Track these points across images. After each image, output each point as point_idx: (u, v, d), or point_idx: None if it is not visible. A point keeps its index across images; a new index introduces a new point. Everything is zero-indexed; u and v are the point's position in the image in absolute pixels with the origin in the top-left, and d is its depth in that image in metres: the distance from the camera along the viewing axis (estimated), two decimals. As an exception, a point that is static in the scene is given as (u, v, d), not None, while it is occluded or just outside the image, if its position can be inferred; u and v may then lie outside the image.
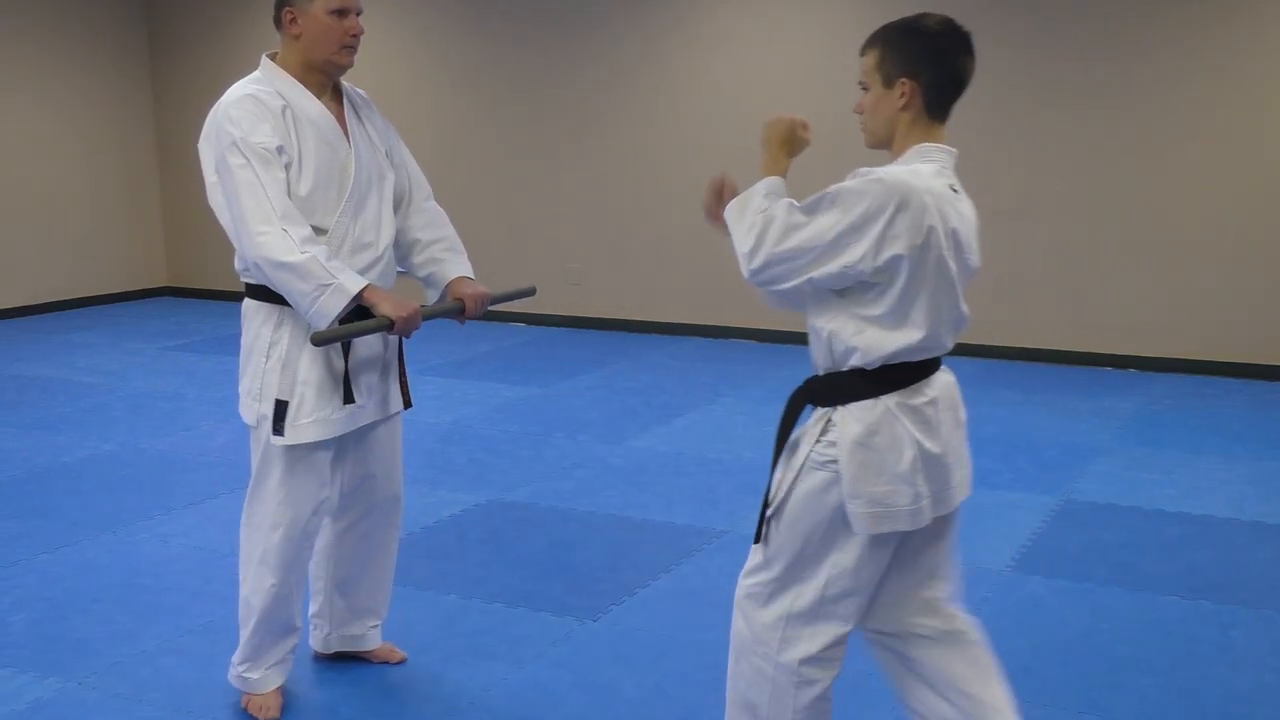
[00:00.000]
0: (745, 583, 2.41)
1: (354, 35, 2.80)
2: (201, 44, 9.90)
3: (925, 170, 2.29)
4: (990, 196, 7.47)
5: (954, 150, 2.36)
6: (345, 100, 2.92)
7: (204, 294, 10.32)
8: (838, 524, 2.27)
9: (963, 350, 8.21)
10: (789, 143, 2.51)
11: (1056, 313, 7.43)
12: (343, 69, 2.85)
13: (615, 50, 8.29)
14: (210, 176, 2.89)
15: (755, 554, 2.40)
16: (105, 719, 3.08)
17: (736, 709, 2.44)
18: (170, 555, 4.24)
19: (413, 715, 3.10)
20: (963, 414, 2.40)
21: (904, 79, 2.31)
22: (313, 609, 3.30)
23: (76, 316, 9.36)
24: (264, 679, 3.07)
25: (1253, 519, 4.59)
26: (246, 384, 2.92)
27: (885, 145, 2.40)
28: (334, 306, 2.68)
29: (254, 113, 2.73)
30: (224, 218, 2.85)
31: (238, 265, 2.89)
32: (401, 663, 3.33)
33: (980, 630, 2.46)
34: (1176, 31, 6.89)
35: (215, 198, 2.88)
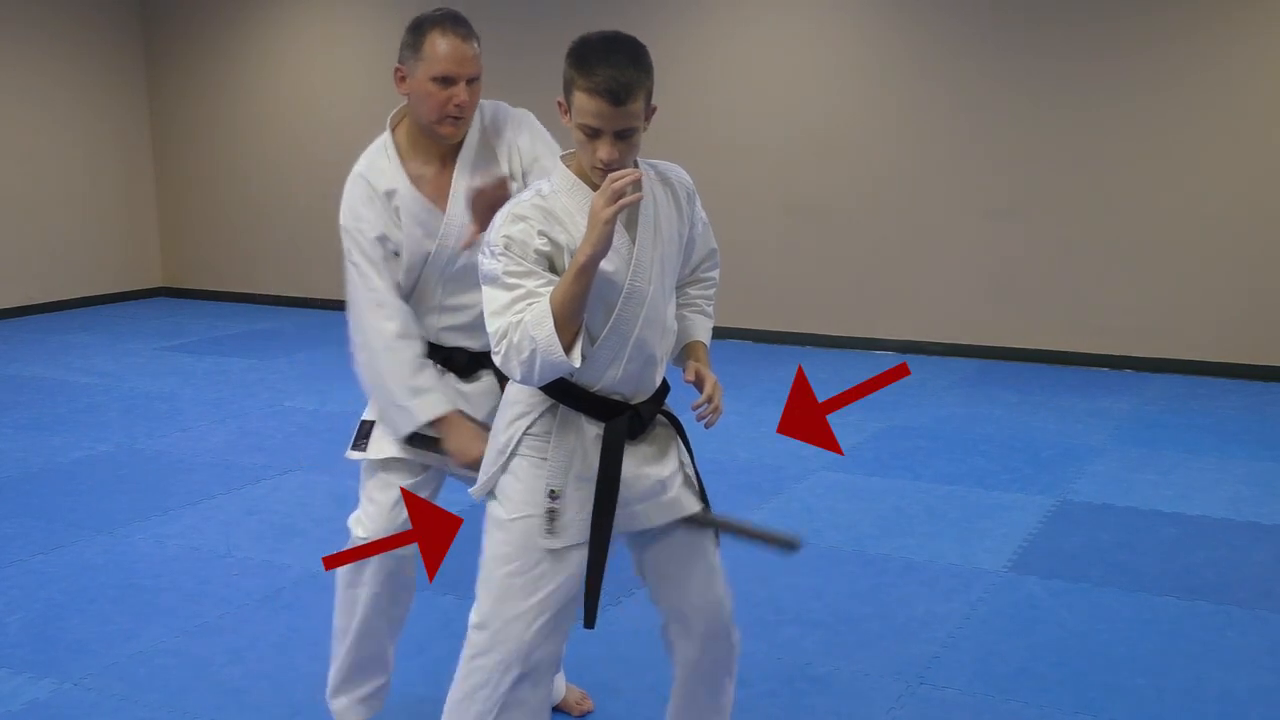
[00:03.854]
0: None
1: (457, 105, 2.55)
2: (197, 45, 9.89)
3: None
4: (985, 197, 7.49)
5: None
6: (463, 151, 2.65)
7: (199, 294, 10.32)
8: None
9: (959, 351, 8.28)
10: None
11: (1052, 313, 7.44)
12: (446, 139, 2.61)
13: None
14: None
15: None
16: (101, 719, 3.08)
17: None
18: (167, 556, 4.23)
19: (410, 715, 3.09)
20: None
21: (650, 106, 2.20)
22: None
23: (72, 317, 9.35)
24: (343, 712, 2.93)
25: (1248, 519, 4.60)
26: None
27: None
28: (399, 428, 2.61)
29: (359, 197, 2.62)
30: None
31: None
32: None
33: None
34: (1174, 31, 6.90)
35: None
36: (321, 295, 9.67)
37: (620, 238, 2.19)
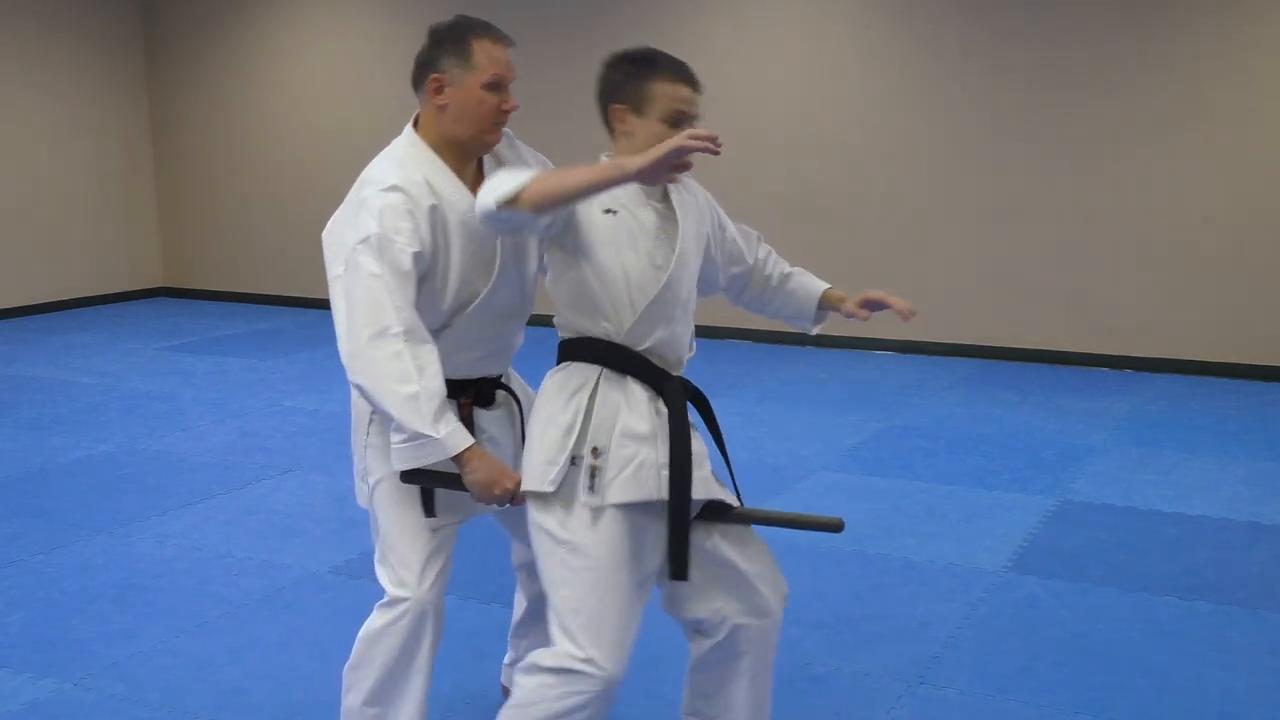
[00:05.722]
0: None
1: (506, 111, 2.47)
2: (197, 43, 9.89)
3: None
4: (985, 197, 7.49)
5: None
6: (487, 164, 2.57)
7: (200, 294, 10.32)
8: None
9: (959, 350, 8.27)
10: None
11: (1052, 313, 7.44)
12: (489, 147, 2.52)
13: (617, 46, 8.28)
14: (335, 268, 2.45)
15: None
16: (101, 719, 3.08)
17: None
18: (167, 556, 4.23)
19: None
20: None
21: None
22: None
23: (72, 317, 9.35)
24: None
25: (1248, 519, 4.60)
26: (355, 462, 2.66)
27: None
28: (422, 459, 2.37)
29: (396, 210, 2.37)
30: (337, 316, 2.45)
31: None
32: None
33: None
34: (1175, 32, 6.90)
35: (335, 294, 2.46)
36: (321, 295, 9.66)
37: (667, 218, 2.36)
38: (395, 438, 2.38)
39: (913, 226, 7.68)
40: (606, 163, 2.19)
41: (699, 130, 2.12)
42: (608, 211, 2.31)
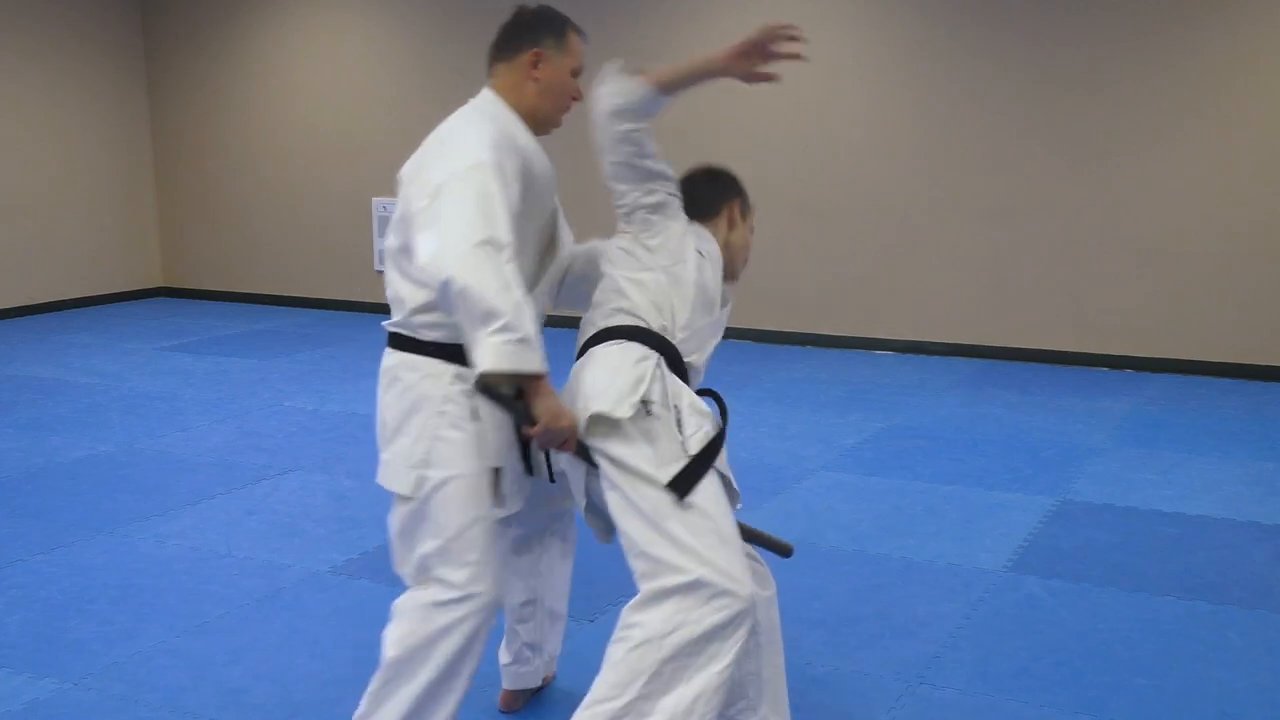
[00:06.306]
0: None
1: (575, 99, 2.69)
2: (197, 45, 9.89)
3: None
4: (985, 197, 7.49)
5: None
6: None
7: (199, 294, 10.32)
8: None
9: (959, 350, 8.26)
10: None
11: (1053, 313, 7.44)
12: (556, 127, 2.70)
13: (615, 46, 8.28)
14: (419, 201, 2.41)
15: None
16: (101, 720, 3.08)
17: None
18: (167, 556, 4.23)
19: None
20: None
21: None
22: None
23: (72, 317, 9.35)
24: None
25: (1248, 519, 4.60)
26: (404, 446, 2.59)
27: None
28: (519, 363, 2.29)
29: (503, 146, 2.46)
30: (421, 234, 2.38)
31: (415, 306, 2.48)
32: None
33: None
34: (1174, 33, 6.91)
35: (419, 223, 2.40)
36: (321, 295, 9.67)
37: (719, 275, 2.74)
38: (496, 338, 2.26)
39: (913, 226, 7.68)
40: (699, 56, 2.62)
41: (785, 35, 2.53)
42: (699, 252, 2.65)
